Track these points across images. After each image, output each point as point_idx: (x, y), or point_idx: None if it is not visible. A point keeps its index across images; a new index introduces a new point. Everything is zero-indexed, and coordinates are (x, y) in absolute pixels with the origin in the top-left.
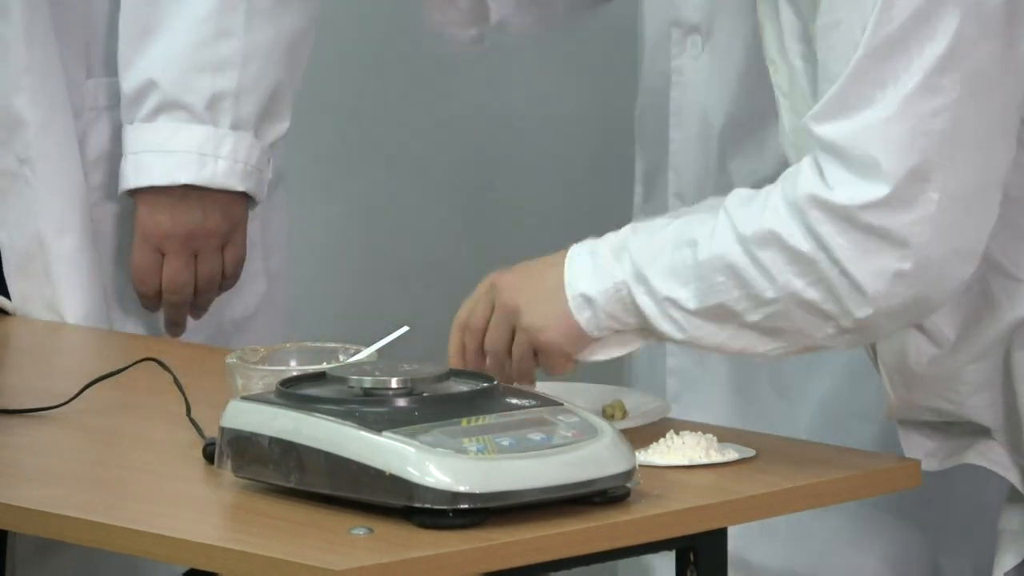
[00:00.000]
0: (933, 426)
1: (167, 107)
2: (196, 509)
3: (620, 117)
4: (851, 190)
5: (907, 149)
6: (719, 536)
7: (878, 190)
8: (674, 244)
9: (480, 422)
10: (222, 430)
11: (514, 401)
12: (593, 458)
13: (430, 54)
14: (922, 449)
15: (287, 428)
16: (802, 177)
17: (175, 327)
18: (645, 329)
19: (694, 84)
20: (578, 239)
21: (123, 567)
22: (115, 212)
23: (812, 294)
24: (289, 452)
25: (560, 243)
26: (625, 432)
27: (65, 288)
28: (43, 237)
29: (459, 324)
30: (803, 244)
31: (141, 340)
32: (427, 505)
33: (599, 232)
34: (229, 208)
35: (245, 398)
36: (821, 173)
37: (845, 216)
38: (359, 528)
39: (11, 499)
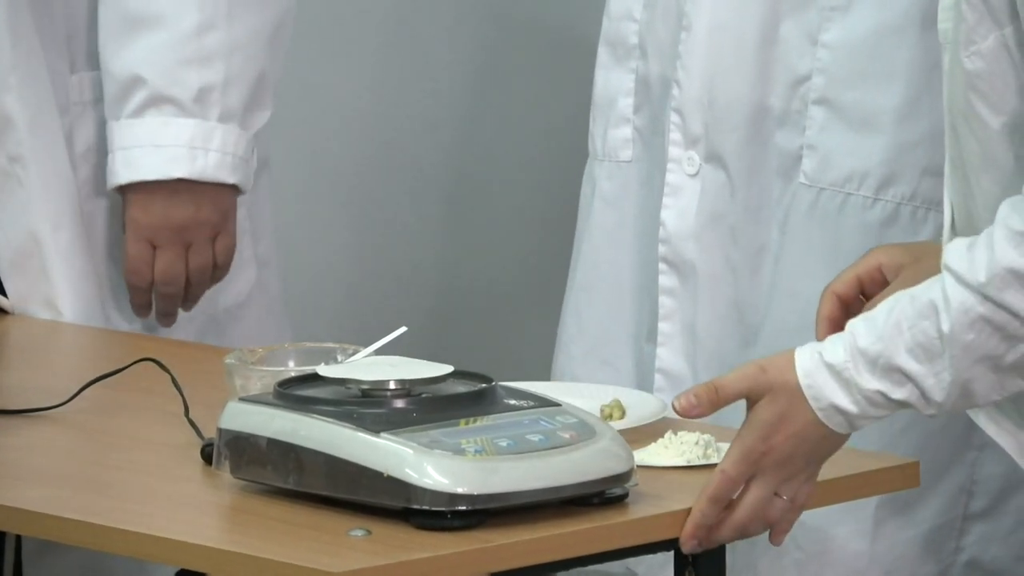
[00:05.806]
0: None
1: (155, 102)
2: (194, 510)
3: None
4: None
5: None
6: None
7: None
8: (911, 319)
9: (478, 423)
10: (220, 431)
11: (512, 402)
12: (591, 459)
13: (427, 50)
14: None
15: (285, 429)
16: None
17: (167, 318)
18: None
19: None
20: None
21: (130, 563)
22: (105, 206)
23: None
24: (287, 453)
25: (554, 240)
26: (623, 432)
27: (63, 283)
28: (39, 234)
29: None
30: None
31: (139, 340)
32: (425, 506)
33: None
34: (219, 199)
35: (243, 399)
36: None
37: None
38: (357, 530)
39: (8, 500)
